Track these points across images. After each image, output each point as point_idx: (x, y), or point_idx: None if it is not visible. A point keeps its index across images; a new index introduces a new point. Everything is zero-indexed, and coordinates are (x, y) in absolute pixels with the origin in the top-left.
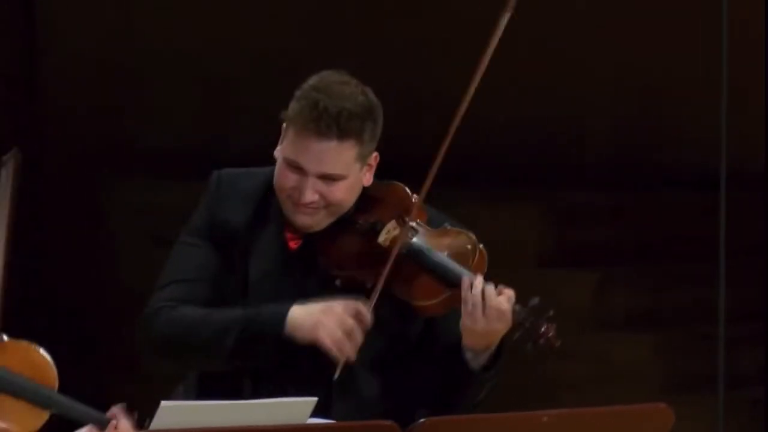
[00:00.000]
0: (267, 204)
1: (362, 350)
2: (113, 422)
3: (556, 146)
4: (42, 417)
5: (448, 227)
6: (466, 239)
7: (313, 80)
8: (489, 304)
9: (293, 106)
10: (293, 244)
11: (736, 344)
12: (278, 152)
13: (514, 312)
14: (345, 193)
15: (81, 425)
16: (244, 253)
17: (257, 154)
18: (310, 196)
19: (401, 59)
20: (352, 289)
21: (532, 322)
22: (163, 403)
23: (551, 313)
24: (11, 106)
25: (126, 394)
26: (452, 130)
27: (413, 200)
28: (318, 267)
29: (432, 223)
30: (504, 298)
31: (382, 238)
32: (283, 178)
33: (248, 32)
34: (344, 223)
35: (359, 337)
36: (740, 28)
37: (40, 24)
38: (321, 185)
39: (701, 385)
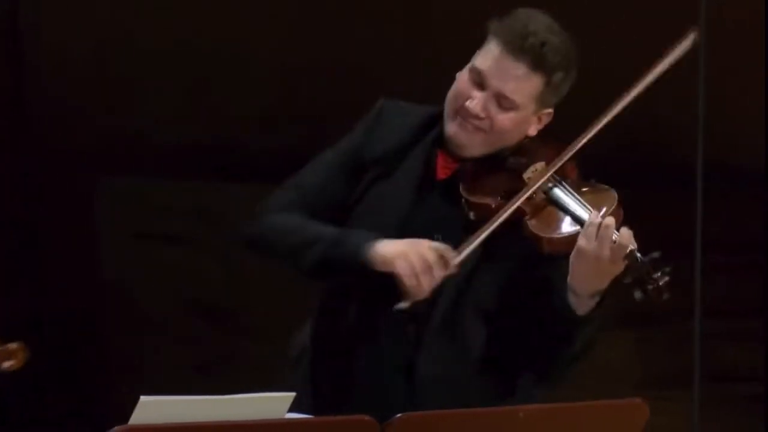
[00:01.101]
0: (424, 133)
1: (474, 293)
2: None
3: None
4: None
5: (594, 182)
6: (607, 194)
7: (523, 10)
8: (608, 240)
9: (503, 19)
10: (443, 173)
11: (715, 340)
12: (470, 64)
13: (633, 255)
14: (510, 124)
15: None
16: (384, 176)
17: (258, 152)
18: (477, 108)
19: (401, 60)
20: (484, 223)
21: (649, 268)
22: (142, 398)
23: (669, 268)
24: (5, 106)
25: (122, 392)
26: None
27: (566, 156)
28: (457, 198)
29: (580, 179)
30: (629, 235)
31: (528, 174)
32: (461, 85)
33: (246, 32)
34: (496, 159)
35: (437, 275)
36: (721, 23)
37: (29, 25)
38: (493, 105)
39: (678, 381)
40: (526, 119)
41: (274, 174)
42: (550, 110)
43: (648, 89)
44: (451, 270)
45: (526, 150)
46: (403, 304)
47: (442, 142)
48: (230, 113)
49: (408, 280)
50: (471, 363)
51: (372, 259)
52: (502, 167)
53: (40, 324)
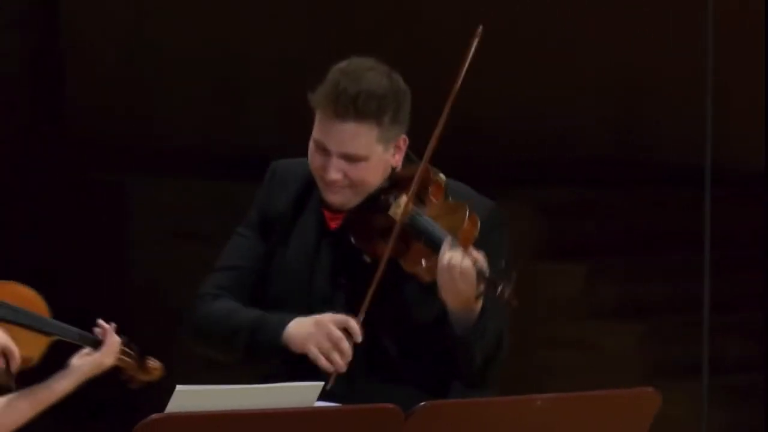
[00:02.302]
0: (311, 188)
1: (388, 324)
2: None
3: (547, 144)
4: (44, 342)
5: (450, 200)
6: (459, 208)
7: (340, 63)
8: (458, 273)
9: (319, 87)
10: (333, 224)
11: (721, 333)
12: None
13: (479, 273)
14: (367, 173)
15: (78, 348)
16: (285, 235)
17: (270, 152)
18: (333, 174)
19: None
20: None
21: (493, 282)
22: (178, 387)
23: (513, 273)
24: (32, 105)
25: (154, 384)
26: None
27: (426, 173)
28: (352, 245)
29: (447, 198)
30: (469, 265)
31: (392, 211)
32: (312, 157)
33: (260, 36)
34: (372, 200)
35: (348, 348)
36: (725, 25)
37: (62, 27)
38: (344, 164)
39: (687, 372)
40: (381, 160)
41: None
42: (404, 137)
43: (457, 94)
44: (357, 338)
45: (395, 181)
46: (330, 383)
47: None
48: (256, 115)
49: (322, 364)
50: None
51: (288, 344)
52: (378, 208)
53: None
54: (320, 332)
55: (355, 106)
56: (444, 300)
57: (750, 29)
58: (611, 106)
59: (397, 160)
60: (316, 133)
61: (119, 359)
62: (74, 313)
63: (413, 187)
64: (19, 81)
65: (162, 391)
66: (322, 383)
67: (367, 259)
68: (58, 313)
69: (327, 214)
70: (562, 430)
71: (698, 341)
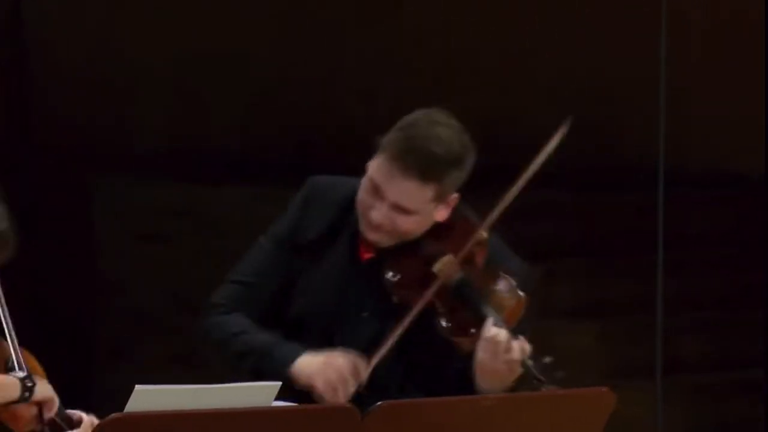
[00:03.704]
0: (349, 213)
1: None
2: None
3: (502, 145)
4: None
5: (500, 273)
6: (508, 286)
7: (416, 114)
8: (502, 354)
9: (391, 133)
10: (366, 255)
11: (674, 333)
12: (369, 167)
13: (524, 364)
14: (412, 226)
15: None
16: (317, 257)
17: (243, 155)
18: (378, 218)
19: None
20: (406, 308)
21: (539, 376)
22: (138, 387)
23: (560, 373)
24: (1, 108)
25: (115, 383)
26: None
27: (476, 236)
28: (380, 280)
29: (491, 261)
30: (517, 352)
31: (437, 267)
32: (363, 193)
33: (224, 39)
34: (413, 244)
35: (351, 388)
36: (679, 28)
37: (27, 30)
38: (392, 212)
39: (642, 372)
40: (429, 215)
41: (258, 177)
42: (456, 195)
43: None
44: (363, 382)
45: (441, 233)
46: None
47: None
48: (218, 118)
49: (328, 396)
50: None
51: (294, 376)
52: (418, 255)
53: (34, 315)
54: (332, 369)
55: (423, 167)
56: (475, 374)
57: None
58: (568, 107)
59: (443, 215)
60: (374, 174)
61: None
62: (40, 314)
63: (464, 251)
64: None
65: (123, 392)
66: (280, 383)
67: (395, 299)
68: (24, 313)
69: (362, 244)
70: (517, 429)
71: (653, 341)
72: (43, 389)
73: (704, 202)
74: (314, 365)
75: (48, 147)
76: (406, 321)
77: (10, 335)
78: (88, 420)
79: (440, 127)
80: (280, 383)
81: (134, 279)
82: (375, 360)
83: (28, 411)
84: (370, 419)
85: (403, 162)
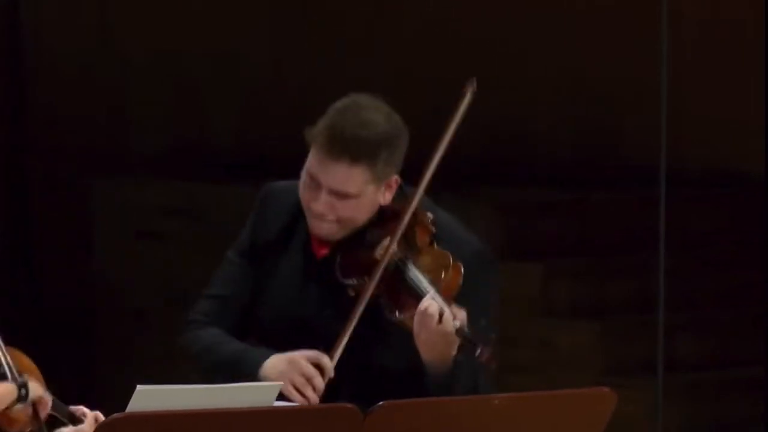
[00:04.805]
0: (302, 216)
1: (364, 360)
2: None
3: (503, 145)
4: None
5: (435, 247)
6: (443, 256)
7: (341, 101)
8: (434, 326)
9: (318, 123)
10: (320, 252)
11: (675, 331)
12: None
13: (459, 332)
14: (355, 211)
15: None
16: (274, 263)
17: (231, 154)
18: (320, 208)
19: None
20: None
21: (472, 343)
22: (139, 387)
23: (492, 336)
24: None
25: (115, 383)
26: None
27: (408, 216)
28: (335, 276)
29: (439, 239)
30: (449, 322)
31: (378, 252)
32: (302, 188)
33: (221, 38)
34: (360, 235)
35: (320, 384)
36: (679, 28)
37: (24, 30)
38: (333, 200)
39: (642, 370)
40: (370, 199)
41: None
42: (396, 177)
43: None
44: (329, 375)
45: (384, 215)
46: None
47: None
48: (216, 117)
49: (295, 396)
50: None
51: (264, 380)
52: (363, 243)
53: (35, 316)
54: (294, 369)
55: (349, 149)
56: (420, 349)
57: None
58: (569, 108)
59: (386, 198)
60: (309, 166)
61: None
62: (39, 314)
63: (398, 231)
64: None
65: (123, 391)
66: (281, 383)
67: (351, 293)
68: (23, 313)
69: (314, 242)
70: (519, 429)
71: (653, 340)
72: (35, 388)
73: (703, 200)
74: (278, 367)
75: (45, 147)
76: (357, 311)
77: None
78: (92, 415)
79: (365, 110)
80: (281, 383)
81: (133, 278)
82: (337, 353)
83: (24, 413)
84: (372, 419)
85: (330, 147)
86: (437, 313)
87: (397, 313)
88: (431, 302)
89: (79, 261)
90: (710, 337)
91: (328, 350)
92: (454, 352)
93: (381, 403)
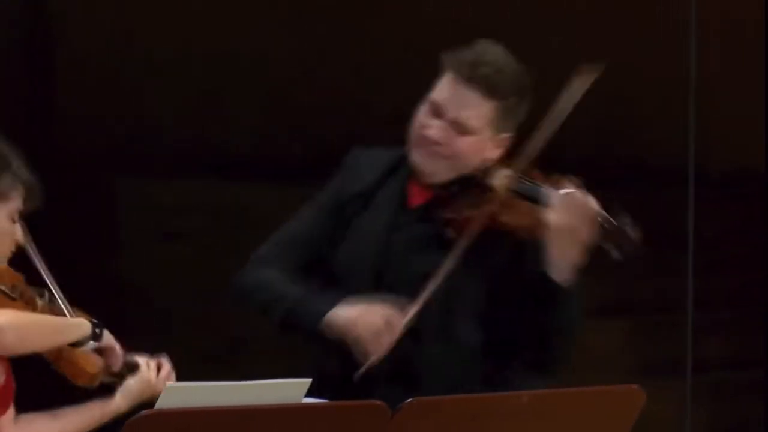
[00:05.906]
0: (395, 170)
1: (462, 301)
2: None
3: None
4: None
5: (556, 176)
6: (567, 181)
7: (482, 41)
8: (579, 207)
9: (457, 51)
10: (415, 201)
11: (705, 331)
12: (431, 93)
13: (604, 216)
14: (468, 148)
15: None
16: (363, 208)
17: (257, 153)
18: (436, 135)
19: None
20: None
21: (621, 227)
22: (168, 384)
23: (633, 223)
24: (23, 107)
25: None
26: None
27: (527, 154)
28: (432, 220)
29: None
30: (593, 201)
31: (495, 180)
32: (420, 117)
33: (246, 38)
34: (465, 178)
35: (386, 342)
36: (710, 27)
37: (52, 29)
38: (450, 132)
39: (671, 370)
40: (483, 143)
41: (280, 174)
42: (510, 135)
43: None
44: (399, 333)
45: (486, 172)
46: (362, 370)
47: (412, 174)
48: (240, 116)
49: (371, 340)
50: (466, 362)
51: (326, 328)
52: (472, 183)
53: None
54: (363, 322)
55: (488, 80)
56: (553, 251)
57: (737, 32)
58: (595, 108)
59: (494, 154)
60: (435, 95)
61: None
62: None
63: (521, 159)
64: (7, 83)
65: None
66: (310, 379)
67: (450, 233)
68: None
69: (413, 189)
70: (548, 426)
71: (683, 339)
72: (109, 336)
73: (726, 200)
74: (347, 318)
75: (71, 146)
76: (462, 243)
77: (58, 294)
78: (144, 362)
79: (510, 57)
80: (310, 380)
81: (159, 278)
82: (411, 313)
83: (93, 359)
84: (400, 416)
85: (471, 72)
86: (579, 193)
87: (517, 219)
88: (566, 189)
89: (105, 261)
90: (730, 337)
91: (412, 295)
92: (594, 242)
93: (409, 400)
